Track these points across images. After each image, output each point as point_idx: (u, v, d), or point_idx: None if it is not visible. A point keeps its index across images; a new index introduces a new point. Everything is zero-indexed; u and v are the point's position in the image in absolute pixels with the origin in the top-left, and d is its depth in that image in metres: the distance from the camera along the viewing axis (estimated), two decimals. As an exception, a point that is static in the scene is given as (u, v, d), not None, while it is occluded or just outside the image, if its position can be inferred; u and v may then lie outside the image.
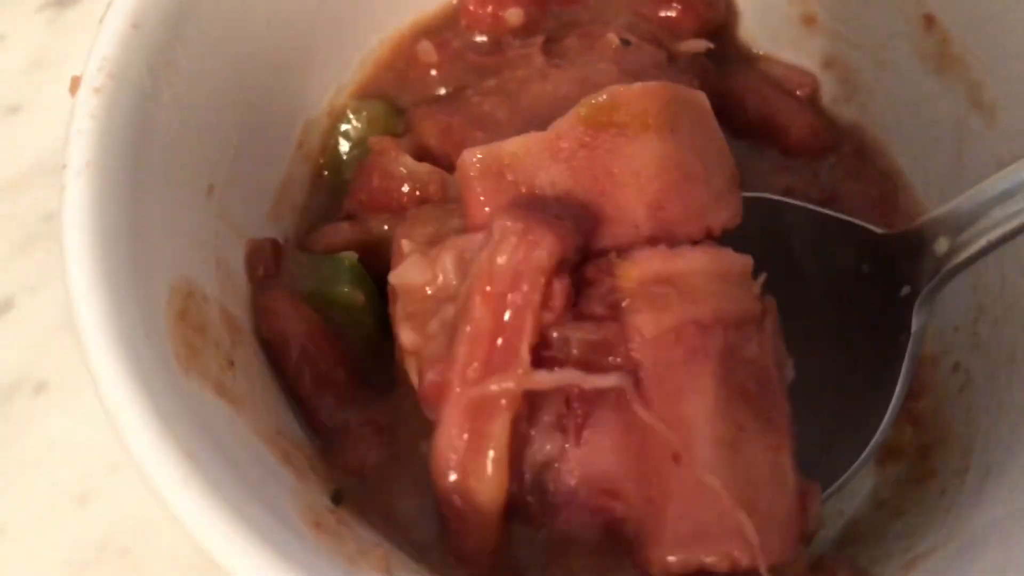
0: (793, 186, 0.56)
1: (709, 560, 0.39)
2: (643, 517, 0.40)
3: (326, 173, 0.56)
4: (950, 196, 0.54)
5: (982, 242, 0.46)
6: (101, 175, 0.40)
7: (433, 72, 0.56)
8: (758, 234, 0.46)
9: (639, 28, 0.55)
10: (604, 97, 0.43)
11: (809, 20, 0.58)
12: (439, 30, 0.57)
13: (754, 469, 0.40)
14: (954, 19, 0.52)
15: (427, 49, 0.56)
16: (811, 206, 0.53)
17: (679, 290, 0.41)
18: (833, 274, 0.52)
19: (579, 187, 0.43)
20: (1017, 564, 0.39)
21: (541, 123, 0.44)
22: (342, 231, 0.52)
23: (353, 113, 0.56)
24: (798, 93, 0.59)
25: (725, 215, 0.44)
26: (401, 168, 0.51)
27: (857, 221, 0.52)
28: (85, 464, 0.60)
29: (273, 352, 0.47)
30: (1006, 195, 0.46)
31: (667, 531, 0.39)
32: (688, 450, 0.39)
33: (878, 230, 0.51)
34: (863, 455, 0.48)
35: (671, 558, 0.39)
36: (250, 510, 0.36)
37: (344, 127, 0.56)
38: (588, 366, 0.40)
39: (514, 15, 0.54)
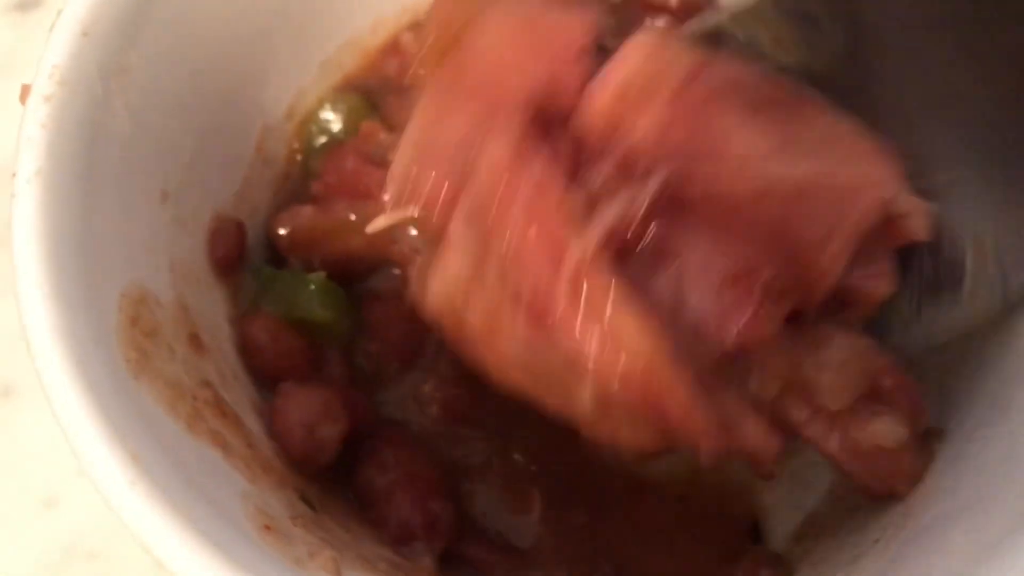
0: None
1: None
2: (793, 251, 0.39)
3: (299, 158, 0.57)
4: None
5: None
6: (51, 183, 0.40)
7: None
8: None
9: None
10: None
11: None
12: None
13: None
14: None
15: (409, 40, 0.57)
16: None
17: (639, 86, 0.39)
18: None
19: None
20: (961, 552, 0.39)
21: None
22: (305, 214, 0.52)
23: (330, 105, 0.56)
24: None
25: None
26: (383, 153, 0.51)
27: None
28: (52, 468, 0.60)
29: (250, 364, 0.49)
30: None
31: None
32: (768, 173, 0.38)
33: None
34: None
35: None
36: (197, 513, 0.36)
37: (322, 119, 0.57)
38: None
39: None
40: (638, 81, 0.39)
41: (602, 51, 0.46)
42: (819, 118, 0.40)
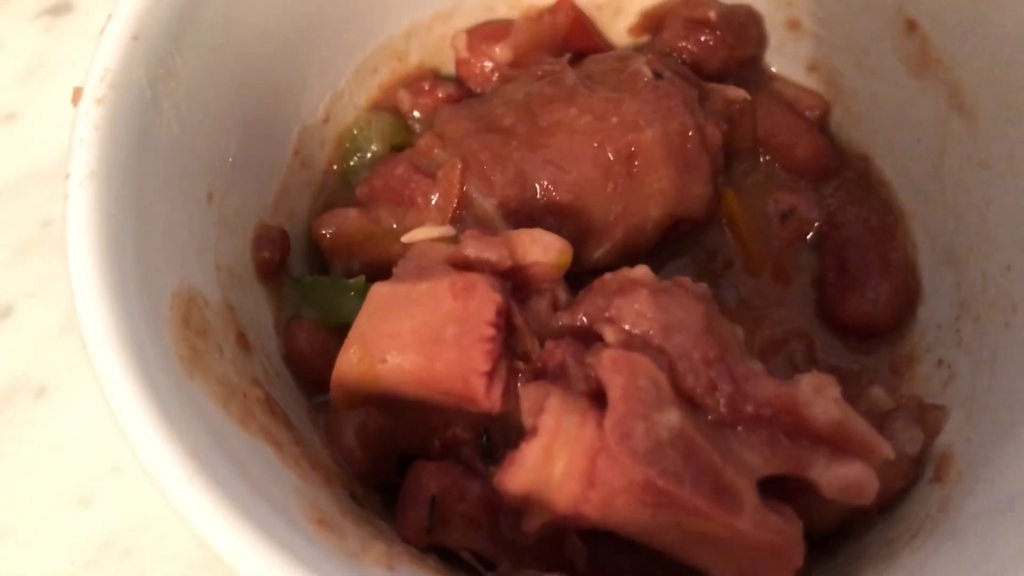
0: (796, 205, 0.57)
1: None
2: None
3: (335, 167, 0.58)
4: (931, 199, 0.57)
5: None
6: (104, 185, 0.41)
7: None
8: None
9: (670, 60, 0.56)
10: None
11: (794, 25, 0.59)
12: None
13: None
14: (935, 24, 0.53)
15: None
16: None
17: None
18: None
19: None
20: (999, 557, 0.40)
21: (555, 152, 0.48)
22: (349, 217, 0.53)
23: (363, 126, 0.57)
24: (807, 114, 0.59)
25: None
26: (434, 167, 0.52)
27: None
28: (87, 466, 0.60)
29: (295, 370, 0.51)
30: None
31: None
32: None
33: None
34: None
35: None
36: (254, 507, 0.37)
37: (355, 139, 0.57)
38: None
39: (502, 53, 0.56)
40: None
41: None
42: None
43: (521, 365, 0.44)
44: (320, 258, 0.55)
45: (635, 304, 0.43)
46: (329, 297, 0.51)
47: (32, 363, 0.64)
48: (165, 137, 0.45)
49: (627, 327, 0.42)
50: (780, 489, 0.42)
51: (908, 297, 0.56)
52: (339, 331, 0.48)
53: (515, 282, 0.46)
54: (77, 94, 0.43)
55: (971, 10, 0.51)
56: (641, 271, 0.45)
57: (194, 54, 0.46)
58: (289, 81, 0.54)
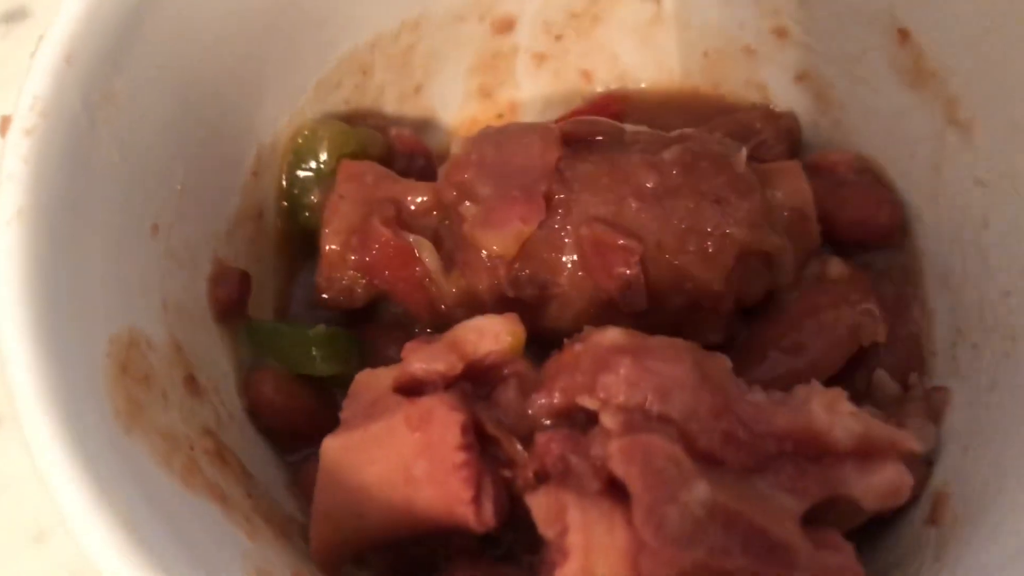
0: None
1: None
2: None
3: (285, 203, 0.54)
4: (926, 215, 0.54)
5: None
6: (34, 224, 0.38)
7: None
8: None
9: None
10: None
11: (781, 33, 0.56)
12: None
13: None
14: (929, 34, 0.50)
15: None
16: None
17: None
18: None
19: None
20: None
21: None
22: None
23: (309, 134, 0.53)
24: (854, 177, 0.56)
25: None
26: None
27: None
28: (42, 501, 0.57)
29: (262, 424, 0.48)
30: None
31: None
32: None
33: None
34: None
35: None
36: (193, 578, 0.34)
37: (299, 149, 0.54)
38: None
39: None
40: None
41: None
42: None
43: (508, 473, 0.41)
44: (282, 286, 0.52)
45: (622, 377, 0.40)
46: (287, 348, 0.49)
47: (-16, 392, 0.61)
48: (104, 167, 0.42)
49: (621, 402, 0.39)
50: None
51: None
52: (307, 379, 0.45)
53: (473, 380, 0.43)
54: (5, 124, 0.40)
55: (968, 20, 0.48)
56: (612, 334, 0.41)
57: (135, 75, 0.43)
58: (244, 99, 0.50)
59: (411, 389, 0.42)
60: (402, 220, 0.50)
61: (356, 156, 0.52)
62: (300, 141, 0.53)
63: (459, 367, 0.42)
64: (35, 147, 0.39)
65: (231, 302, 0.48)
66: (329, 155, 0.52)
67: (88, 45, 0.41)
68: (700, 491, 0.37)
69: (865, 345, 0.50)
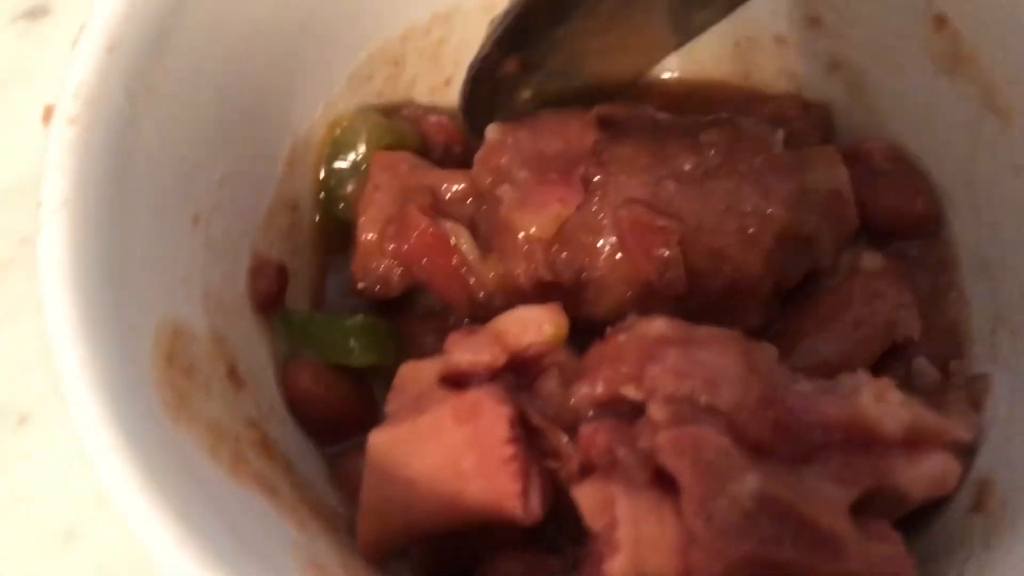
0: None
1: None
2: None
3: (322, 195, 0.54)
4: (962, 203, 0.53)
5: None
6: (79, 214, 0.37)
7: None
8: None
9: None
10: None
11: (814, 22, 0.56)
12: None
13: None
14: (966, 20, 0.50)
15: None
16: None
17: None
18: None
19: None
20: None
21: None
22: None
23: (347, 125, 0.53)
24: (887, 166, 0.56)
25: None
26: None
27: None
28: (71, 499, 0.57)
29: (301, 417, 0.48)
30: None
31: None
32: None
33: None
34: None
35: None
36: (249, 569, 0.34)
37: (337, 140, 0.53)
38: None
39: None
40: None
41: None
42: None
43: (553, 464, 0.41)
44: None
45: (670, 367, 0.39)
46: (324, 338, 0.48)
47: (12, 390, 0.61)
48: (146, 157, 0.41)
49: (670, 393, 0.39)
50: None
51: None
52: (345, 370, 0.45)
53: (516, 371, 0.43)
54: (48, 113, 0.40)
55: (1006, 5, 0.48)
56: (659, 324, 0.41)
57: (176, 65, 0.43)
58: (280, 91, 0.50)
59: (456, 381, 0.42)
60: (438, 208, 0.49)
61: (392, 148, 0.52)
62: (338, 133, 0.53)
63: (503, 358, 0.42)
64: (80, 136, 0.39)
65: (270, 294, 0.48)
66: (367, 147, 0.52)
67: (129, 34, 0.41)
68: (750, 483, 0.37)
69: (899, 341, 0.50)
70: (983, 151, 0.52)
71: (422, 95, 0.57)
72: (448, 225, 0.49)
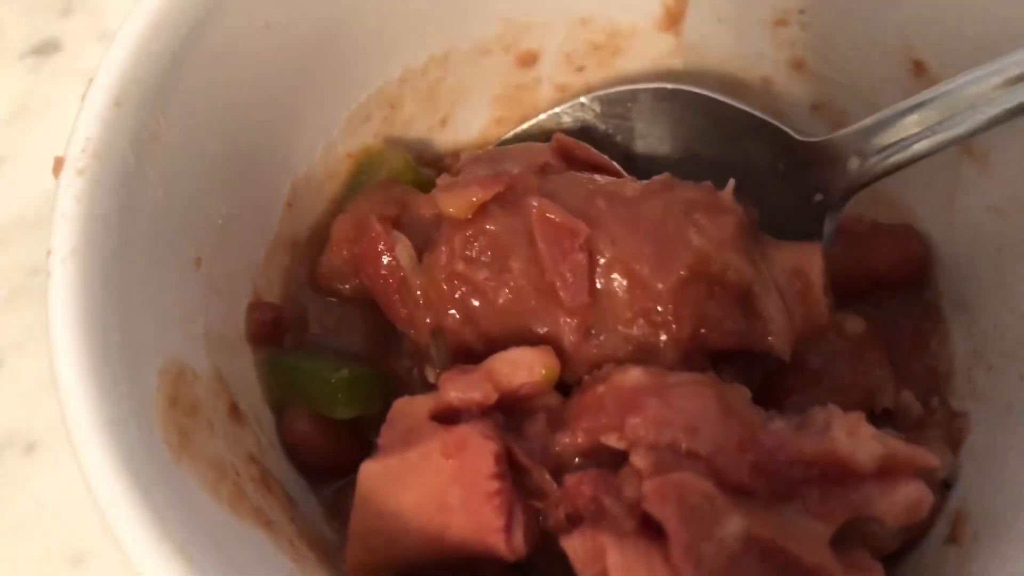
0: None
1: None
2: None
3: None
4: (941, 243, 0.55)
5: (889, 164, 0.50)
6: (87, 262, 0.39)
7: None
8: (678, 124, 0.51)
9: None
10: None
11: (797, 64, 0.57)
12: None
13: None
14: (945, 67, 0.51)
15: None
16: (731, 101, 0.55)
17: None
18: (750, 168, 0.54)
19: None
20: None
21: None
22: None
23: (375, 153, 0.56)
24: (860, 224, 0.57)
25: None
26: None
27: (775, 122, 0.54)
28: (79, 524, 0.59)
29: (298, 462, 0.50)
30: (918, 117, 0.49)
31: None
32: None
33: (796, 135, 0.54)
34: None
35: None
36: (247, 605, 0.35)
37: (364, 165, 0.56)
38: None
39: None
40: None
41: None
42: None
43: (538, 504, 0.42)
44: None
45: (650, 417, 0.41)
46: (310, 390, 0.49)
47: (21, 417, 0.62)
48: (150, 204, 0.43)
49: (651, 441, 0.40)
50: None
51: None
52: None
53: (505, 411, 0.44)
54: (58, 164, 0.41)
55: (983, 55, 0.49)
56: (635, 374, 0.43)
57: (180, 116, 0.45)
58: (280, 134, 0.52)
59: (447, 418, 0.43)
60: (401, 224, 0.51)
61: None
62: (366, 159, 0.56)
63: (493, 397, 0.43)
64: (87, 187, 0.40)
65: (268, 330, 0.50)
66: (387, 175, 0.55)
67: (136, 88, 0.43)
68: (734, 525, 0.38)
69: (876, 411, 0.51)
70: (961, 191, 0.53)
71: (418, 133, 0.59)
72: (395, 234, 0.50)
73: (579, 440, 0.42)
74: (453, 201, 0.47)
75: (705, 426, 0.40)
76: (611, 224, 0.46)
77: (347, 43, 0.52)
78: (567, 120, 0.59)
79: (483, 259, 0.47)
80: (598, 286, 0.46)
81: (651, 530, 0.39)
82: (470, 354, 0.47)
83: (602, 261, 0.46)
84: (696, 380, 0.42)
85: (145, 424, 0.38)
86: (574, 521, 0.41)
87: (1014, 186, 0.50)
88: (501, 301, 0.46)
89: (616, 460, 0.41)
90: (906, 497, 0.41)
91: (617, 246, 0.46)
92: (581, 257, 0.45)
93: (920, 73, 0.53)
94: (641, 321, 0.46)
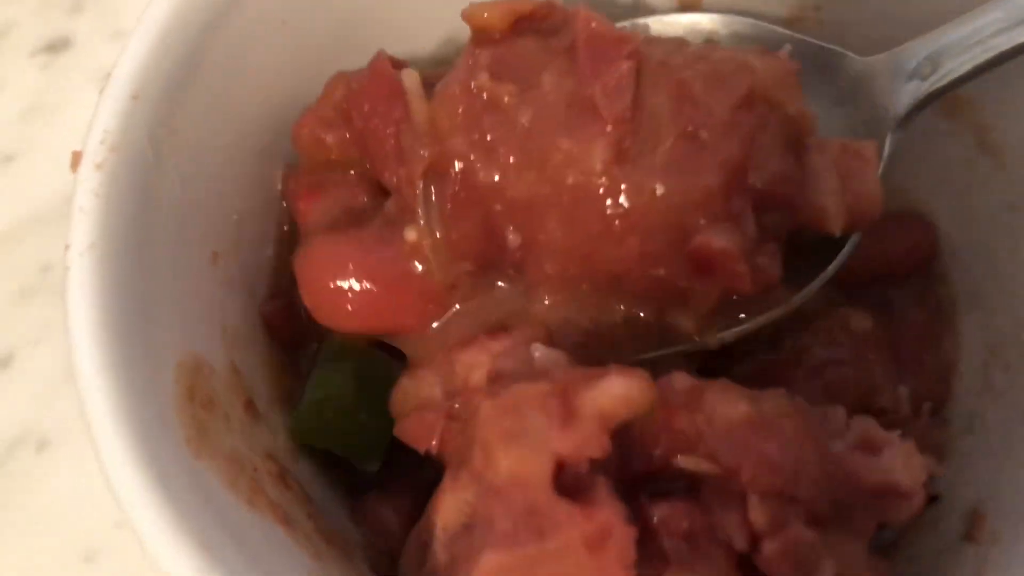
0: None
1: None
2: None
3: None
4: (959, 238, 0.55)
5: (965, 68, 0.46)
6: (106, 256, 0.39)
7: None
8: None
9: None
10: None
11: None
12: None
13: None
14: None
15: None
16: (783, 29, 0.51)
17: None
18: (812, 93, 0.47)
19: None
20: None
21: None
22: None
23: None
24: None
25: None
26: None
27: (830, 45, 0.50)
28: (91, 521, 0.59)
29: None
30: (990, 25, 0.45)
31: None
32: None
33: (849, 54, 0.49)
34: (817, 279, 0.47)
35: None
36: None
37: None
38: None
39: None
40: None
41: None
42: None
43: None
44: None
45: (763, 463, 0.38)
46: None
47: (34, 414, 0.62)
48: (169, 199, 0.43)
49: (764, 489, 0.38)
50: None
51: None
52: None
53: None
54: (76, 159, 0.41)
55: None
56: (743, 409, 0.39)
57: (197, 110, 0.45)
58: (289, 129, 0.51)
59: (571, 484, 0.36)
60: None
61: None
62: None
63: (608, 448, 0.36)
64: (105, 181, 0.40)
65: (284, 322, 0.50)
66: None
67: (154, 81, 0.43)
68: (829, 569, 0.38)
69: (874, 411, 0.50)
70: (978, 188, 0.53)
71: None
72: (405, 71, 0.44)
73: (654, 460, 0.39)
74: (489, 9, 0.42)
75: (805, 468, 0.38)
76: (660, 45, 0.42)
77: (363, 40, 0.52)
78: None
79: (510, 76, 0.41)
80: (641, 100, 0.40)
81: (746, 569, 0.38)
82: (470, 198, 0.42)
83: (649, 74, 0.40)
84: (792, 411, 0.40)
85: (165, 418, 0.38)
86: (656, 557, 0.37)
87: (1031, 183, 0.50)
88: (525, 120, 0.40)
89: (687, 483, 0.38)
90: (916, 507, 0.41)
91: (667, 63, 0.41)
92: (627, 66, 0.40)
93: (937, 69, 0.52)
94: (683, 143, 0.40)
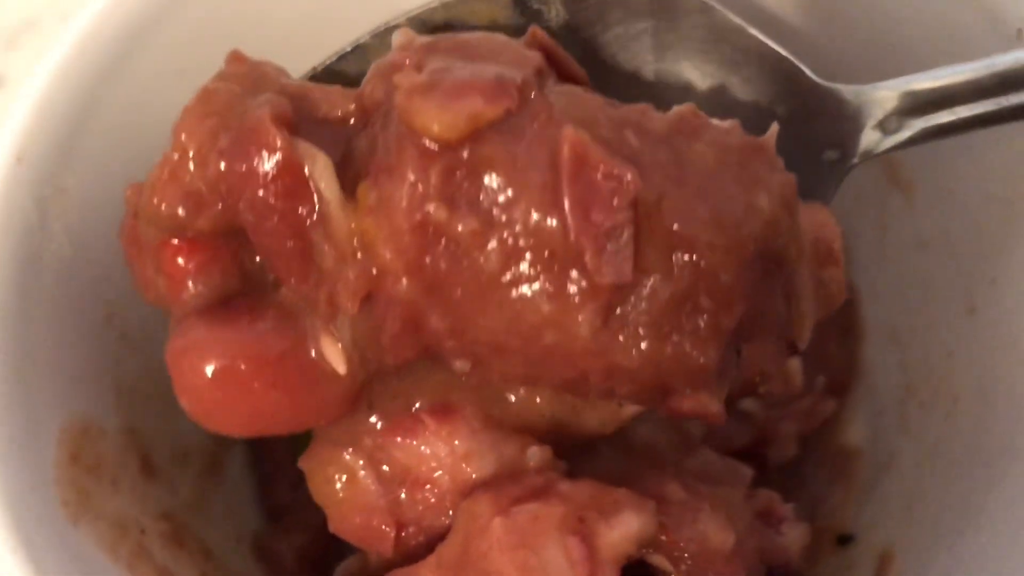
0: None
1: None
2: None
3: None
4: (874, 276, 0.54)
5: (928, 130, 0.41)
6: (-18, 324, 0.39)
7: None
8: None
9: None
10: None
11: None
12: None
13: None
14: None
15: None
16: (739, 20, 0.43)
17: None
18: (749, 106, 0.43)
19: None
20: None
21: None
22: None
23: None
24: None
25: None
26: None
27: (791, 56, 0.43)
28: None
29: None
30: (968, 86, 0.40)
31: None
32: None
33: (815, 77, 0.43)
34: None
35: None
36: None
37: None
38: None
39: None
40: None
41: None
42: None
43: None
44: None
45: None
46: None
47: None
48: (55, 260, 0.43)
49: None
50: None
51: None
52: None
53: None
54: (-42, 224, 0.41)
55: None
56: (727, 539, 0.38)
57: (88, 165, 0.44)
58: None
59: None
60: (299, 127, 0.35)
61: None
62: None
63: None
64: (-15, 247, 0.40)
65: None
66: None
67: (39, 142, 0.42)
68: None
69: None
70: (891, 226, 0.53)
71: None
72: (303, 147, 0.34)
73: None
74: (440, 116, 0.32)
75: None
76: (652, 172, 0.33)
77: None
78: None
79: (469, 204, 0.33)
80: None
81: None
82: (413, 336, 0.35)
83: (645, 222, 0.33)
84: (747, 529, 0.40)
85: (42, 484, 0.38)
86: None
87: (937, 220, 0.50)
88: (491, 266, 0.33)
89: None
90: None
91: (664, 205, 0.33)
92: (625, 217, 0.32)
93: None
94: (679, 308, 0.33)
